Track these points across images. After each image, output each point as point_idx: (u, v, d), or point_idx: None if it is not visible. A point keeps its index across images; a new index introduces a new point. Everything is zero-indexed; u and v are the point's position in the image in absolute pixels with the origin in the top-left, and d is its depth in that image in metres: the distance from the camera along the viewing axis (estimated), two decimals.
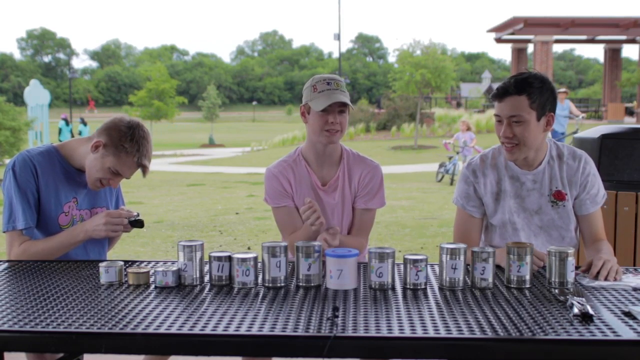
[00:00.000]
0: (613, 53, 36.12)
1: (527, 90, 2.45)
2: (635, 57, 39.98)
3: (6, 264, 2.50)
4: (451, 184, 13.24)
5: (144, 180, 15.21)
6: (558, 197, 2.60)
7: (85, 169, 2.61)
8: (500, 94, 2.50)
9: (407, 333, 1.69)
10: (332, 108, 2.65)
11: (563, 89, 14.22)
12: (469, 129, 14.37)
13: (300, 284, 2.16)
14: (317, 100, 2.65)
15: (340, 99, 2.64)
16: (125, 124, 2.56)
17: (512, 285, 2.13)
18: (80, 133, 23.57)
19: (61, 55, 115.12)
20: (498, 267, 2.25)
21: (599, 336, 1.66)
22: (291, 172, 2.77)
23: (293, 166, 2.78)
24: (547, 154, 2.61)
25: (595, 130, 4.01)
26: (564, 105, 13.70)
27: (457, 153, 13.90)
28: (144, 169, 2.59)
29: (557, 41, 34.33)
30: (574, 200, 2.63)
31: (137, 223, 2.62)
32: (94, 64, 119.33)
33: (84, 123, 24.31)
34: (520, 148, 2.51)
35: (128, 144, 2.52)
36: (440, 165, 14.32)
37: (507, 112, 2.48)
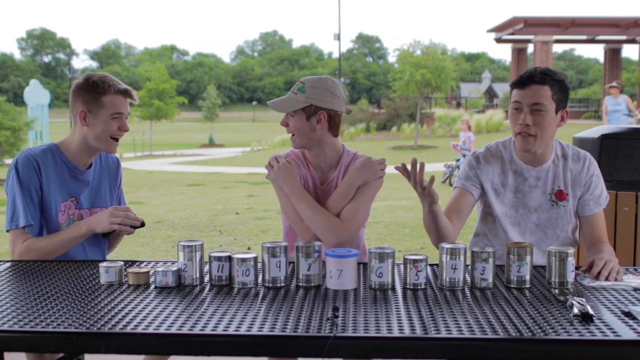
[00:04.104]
0: (613, 53, 36.09)
1: (550, 81, 2.49)
2: (635, 57, 39.96)
3: (7, 263, 2.50)
4: (450, 185, 13.21)
5: (144, 180, 15.27)
6: (559, 196, 2.60)
7: (95, 144, 2.63)
8: (523, 81, 2.50)
9: (407, 333, 1.69)
10: None
11: (614, 84, 12.15)
12: (469, 128, 14.35)
13: (300, 284, 2.16)
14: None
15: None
16: (81, 81, 2.64)
17: (512, 285, 2.13)
18: None
19: (61, 55, 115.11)
20: (498, 267, 2.25)
21: (599, 336, 1.66)
22: (297, 162, 2.78)
23: (297, 160, 2.79)
24: (553, 152, 2.62)
25: (595, 130, 4.01)
26: (619, 100, 11.62)
27: (464, 156, 13.85)
28: (129, 93, 2.63)
29: (557, 41, 34.33)
30: (577, 200, 2.63)
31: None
32: (94, 64, 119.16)
33: None
34: (535, 139, 2.52)
35: (99, 88, 2.58)
36: (448, 166, 14.23)
37: (529, 99, 2.49)
